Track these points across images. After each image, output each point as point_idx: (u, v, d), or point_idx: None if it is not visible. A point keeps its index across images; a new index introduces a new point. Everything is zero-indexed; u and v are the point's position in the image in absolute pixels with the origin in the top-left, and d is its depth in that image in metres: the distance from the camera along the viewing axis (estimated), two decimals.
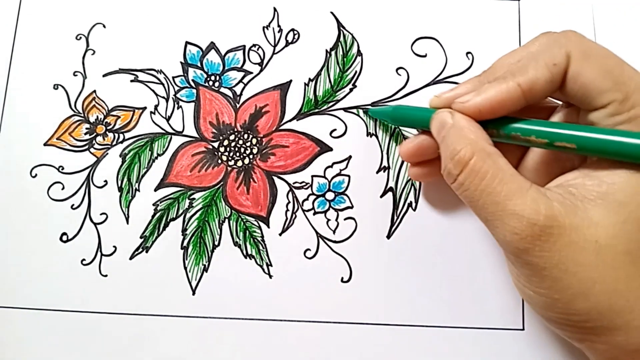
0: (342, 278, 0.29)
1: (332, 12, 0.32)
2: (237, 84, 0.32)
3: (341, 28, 0.32)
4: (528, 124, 0.22)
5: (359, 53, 0.32)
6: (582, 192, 0.20)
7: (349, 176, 0.31)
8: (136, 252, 0.30)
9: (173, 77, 0.32)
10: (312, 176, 0.31)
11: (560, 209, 0.20)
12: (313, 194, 0.30)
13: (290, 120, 0.31)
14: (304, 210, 0.30)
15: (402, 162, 0.31)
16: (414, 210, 0.30)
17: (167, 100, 0.32)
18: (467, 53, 0.32)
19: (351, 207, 0.30)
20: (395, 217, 0.30)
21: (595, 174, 0.21)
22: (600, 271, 0.19)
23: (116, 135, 0.31)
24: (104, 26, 0.33)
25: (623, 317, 0.19)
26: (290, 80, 0.32)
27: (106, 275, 0.30)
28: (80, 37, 0.33)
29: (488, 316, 0.29)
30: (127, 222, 0.30)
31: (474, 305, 0.29)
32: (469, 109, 0.22)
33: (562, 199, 0.20)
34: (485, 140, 0.22)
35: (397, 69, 0.32)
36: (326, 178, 0.31)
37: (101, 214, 0.30)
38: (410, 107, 0.27)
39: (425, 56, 0.32)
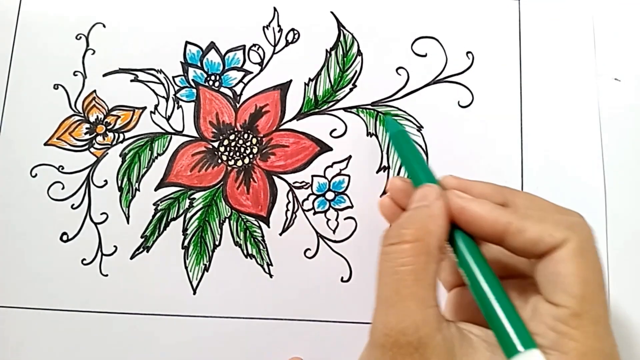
0: (342, 278, 0.30)
1: (332, 12, 0.32)
2: (237, 84, 0.32)
3: (341, 28, 0.32)
4: (465, 246, 0.22)
5: (359, 53, 0.32)
6: (471, 350, 0.20)
7: (349, 176, 0.31)
8: (137, 252, 0.30)
9: (173, 77, 0.32)
10: (312, 176, 0.31)
11: (440, 340, 0.19)
12: (313, 193, 0.30)
13: (290, 120, 0.31)
14: (304, 210, 0.30)
15: (402, 164, 0.31)
16: None
17: (167, 100, 0.32)
18: (467, 53, 0.32)
19: (351, 207, 0.30)
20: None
21: (496, 349, 0.20)
22: None
23: (116, 135, 0.31)
24: (104, 26, 0.33)
25: None
26: (291, 80, 0.32)
27: (107, 275, 0.30)
28: (80, 37, 0.33)
29: None
30: (128, 222, 0.30)
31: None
32: (455, 203, 0.22)
33: (451, 341, 0.20)
34: (437, 241, 0.21)
35: (397, 69, 0.32)
36: (326, 178, 0.31)
37: (101, 214, 0.30)
38: (412, 147, 0.26)
39: (425, 56, 0.32)
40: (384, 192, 0.30)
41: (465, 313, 0.25)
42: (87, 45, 0.32)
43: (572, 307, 0.19)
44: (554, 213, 0.22)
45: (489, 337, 0.21)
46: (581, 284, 0.19)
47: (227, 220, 0.30)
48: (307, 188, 0.31)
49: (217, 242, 0.30)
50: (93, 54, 0.32)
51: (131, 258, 0.30)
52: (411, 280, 0.20)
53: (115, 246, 0.30)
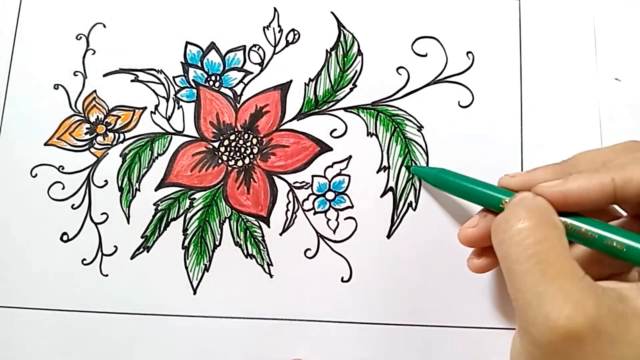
0: (342, 278, 0.30)
1: (332, 12, 0.32)
2: (237, 84, 0.32)
3: (341, 28, 0.32)
4: (584, 222, 0.21)
5: (359, 53, 0.32)
6: (633, 305, 0.18)
7: (349, 176, 0.31)
8: (137, 252, 0.30)
9: (173, 77, 0.32)
10: (313, 176, 0.31)
11: (606, 314, 0.18)
12: (313, 193, 0.30)
13: (290, 120, 0.31)
14: (304, 210, 0.30)
15: (402, 162, 0.31)
16: (414, 210, 0.30)
17: (167, 100, 0.32)
18: (468, 53, 0.32)
19: (351, 207, 0.30)
20: (395, 217, 0.30)
21: None
22: None
23: (116, 135, 0.31)
24: (104, 26, 0.33)
25: None
26: (291, 80, 0.32)
27: (107, 275, 0.30)
28: (81, 37, 0.33)
29: (488, 316, 0.29)
30: (128, 222, 0.30)
31: (473, 305, 0.29)
32: (555, 194, 0.21)
33: (613, 304, 0.18)
34: (557, 218, 0.20)
35: (397, 69, 0.32)
36: (326, 178, 0.31)
37: (102, 214, 0.30)
38: (462, 177, 0.26)
39: (425, 56, 0.32)
40: (385, 192, 0.30)
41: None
42: (88, 45, 0.32)
43: None
44: (632, 153, 0.21)
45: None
46: None
47: (227, 220, 0.30)
48: (307, 188, 0.31)
49: (217, 242, 0.30)
50: (93, 54, 0.32)
51: (131, 258, 0.30)
52: (553, 257, 0.18)
53: (115, 246, 0.30)
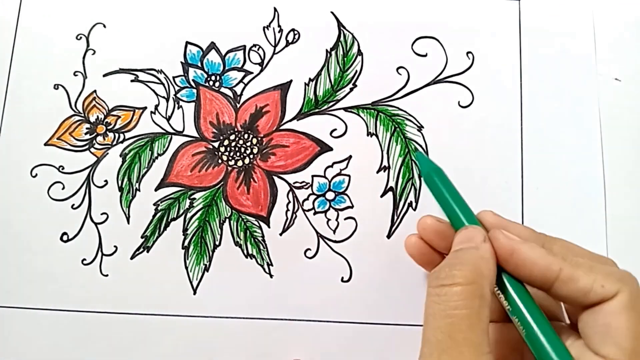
0: (342, 278, 0.30)
1: (332, 12, 0.32)
2: (237, 84, 0.32)
3: (341, 28, 0.32)
4: (516, 292, 0.22)
5: (360, 52, 0.32)
6: None
7: (349, 176, 0.31)
8: (137, 252, 0.30)
9: (173, 77, 0.32)
10: (313, 176, 0.31)
11: None
12: (313, 193, 0.30)
13: (290, 120, 0.31)
14: (304, 210, 0.30)
15: (402, 162, 0.31)
16: (414, 210, 0.30)
17: (167, 100, 0.32)
18: (468, 53, 0.32)
19: (351, 207, 0.30)
20: (395, 217, 0.30)
21: None
22: None
23: (116, 135, 0.31)
24: (104, 26, 0.33)
25: None
26: (291, 80, 0.32)
27: (107, 275, 0.30)
28: (81, 37, 0.33)
29: None
30: (128, 222, 0.30)
31: None
32: (504, 246, 0.22)
33: None
34: (490, 284, 0.21)
35: (397, 69, 0.32)
36: (326, 178, 0.31)
37: (102, 214, 0.30)
38: (448, 186, 0.26)
39: (425, 56, 0.32)
40: (385, 192, 0.30)
41: (504, 349, 0.24)
42: (88, 45, 0.32)
43: (619, 356, 0.19)
44: (600, 263, 0.22)
45: None
46: (632, 338, 0.19)
47: (227, 220, 0.30)
48: (307, 188, 0.31)
49: (217, 242, 0.30)
50: (93, 54, 0.32)
51: (131, 258, 0.30)
52: (465, 325, 0.20)
53: (115, 246, 0.30)
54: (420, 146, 0.31)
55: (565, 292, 0.21)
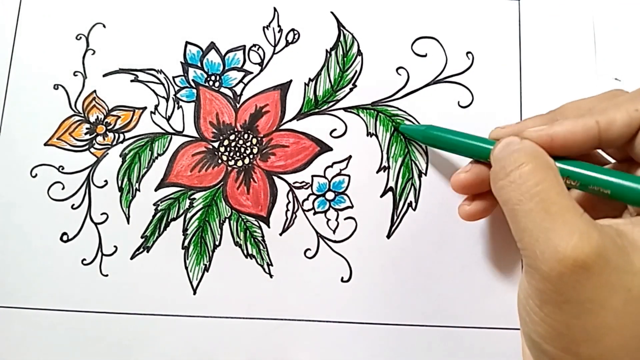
0: (342, 278, 0.30)
1: (332, 12, 0.32)
2: (237, 84, 0.32)
3: (341, 28, 0.32)
4: (567, 164, 0.22)
5: (359, 53, 0.32)
6: (631, 239, 0.19)
7: (349, 176, 0.31)
8: (137, 252, 0.30)
9: (173, 77, 0.32)
10: (312, 176, 0.31)
11: (610, 245, 0.18)
12: (313, 193, 0.30)
13: (290, 120, 0.31)
14: (304, 210, 0.30)
15: (402, 162, 0.31)
16: (414, 210, 0.30)
17: (167, 100, 0.32)
18: (467, 53, 0.32)
19: (351, 207, 0.30)
20: (395, 217, 0.30)
21: None
22: (620, 320, 0.18)
23: (116, 135, 0.31)
24: (104, 26, 0.33)
25: None
26: (291, 80, 0.32)
27: (107, 275, 0.30)
28: (80, 37, 0.33)
29: (488, 316, 0.29)
30: (128, 222, 0.30)
31: (474, 305, 0.29)
32: (542, 138, 0.22)
33: (614, 236, 0.19)
34: (552, 161, 0.21)
35: (397, 69, 0.32)
36: (326, 178, 0.31)
37: (102, 214, 0.31)
38: (450, 131, 0.27)
39: (425, 56, 0.32)
40: (384, 192, 0.30)
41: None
42: (87, 45, 0.32)
43: None
44: (615, 97, 0.22)
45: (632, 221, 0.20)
46: None
47: (227, 220, 0.30)
48: (307, 188, 0.31)
49: (217, 242, 0.30)
50: (93, 54, 0.32)
51: (131, 258, 0.30)
52: (554, 195, 0.19)
53: (115, 246, 0.30)
54: (420, 147, 0.31)
55: (614, 135, 0.21)
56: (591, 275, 0.18)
